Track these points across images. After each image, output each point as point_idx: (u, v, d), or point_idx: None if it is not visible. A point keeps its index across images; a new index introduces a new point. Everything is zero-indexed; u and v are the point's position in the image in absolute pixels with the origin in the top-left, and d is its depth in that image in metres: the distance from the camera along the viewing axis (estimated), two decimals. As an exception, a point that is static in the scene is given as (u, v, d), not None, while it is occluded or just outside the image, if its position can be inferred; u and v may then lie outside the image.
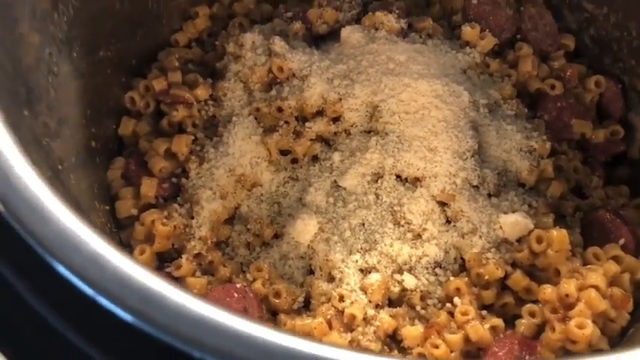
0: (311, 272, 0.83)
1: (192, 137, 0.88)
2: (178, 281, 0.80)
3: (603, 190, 0.90)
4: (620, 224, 0.83)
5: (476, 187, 0.84)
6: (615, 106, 0.96)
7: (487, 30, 0.94)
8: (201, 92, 0.91)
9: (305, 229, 0.83)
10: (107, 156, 0.87)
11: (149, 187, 0.83)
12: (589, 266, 0.77)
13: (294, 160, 0.89)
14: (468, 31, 0.93)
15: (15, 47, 0.62)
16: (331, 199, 0.85)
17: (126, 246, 0.83)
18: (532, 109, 0.93)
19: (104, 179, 0.85)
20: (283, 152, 0.89)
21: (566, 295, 0.74)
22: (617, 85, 0.95)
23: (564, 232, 0.77)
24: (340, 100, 0.88)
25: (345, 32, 0.95)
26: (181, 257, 0.81)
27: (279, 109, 0.89)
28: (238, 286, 0.77)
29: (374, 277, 0.78)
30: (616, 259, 0.79)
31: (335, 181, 0.86)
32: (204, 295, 0.78)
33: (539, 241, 0.78)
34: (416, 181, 0.84)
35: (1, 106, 0.52)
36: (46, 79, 0.67)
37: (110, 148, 0.89)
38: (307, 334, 0.74)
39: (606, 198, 0.89)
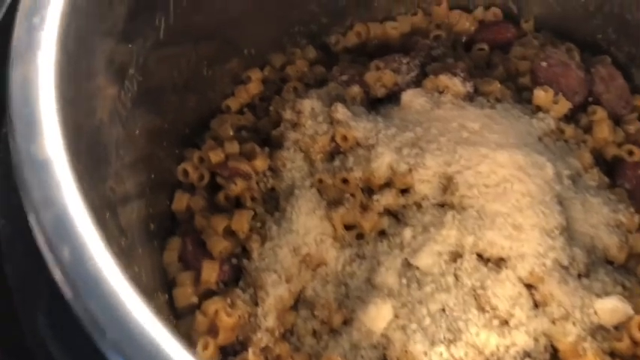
0: (387, 364, 0.76)
1: (253, 212, 0.82)
2: (244, 378, 0.73)
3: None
4: None
5: (565, 267, 0.77)
6: (695, 172, 0.90)
7: (559, 93, 0.89)
8: (260, 163, 0.85)
9: (379, 315, 0.76)
10: (162, 238, 0.80)
11: (211, 272, 0.76)
12: (698, 357, 0.70)
13: (360, 236, 0.83)
14: (542, 96, 0.88)
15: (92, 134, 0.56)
16: (404, 281, 0.78)
17: (185, 337, 0.75)
18: (609, 178, 0.87)
19: (161, 265, 0.78)
20: (347, 227, 0.83)
21: (682, 394, 0.67)
22: (696, 148, 0.90)
23: (671, 320, 0.71)
24: (410, 170, 0.82)
25: (407, 97, 0.90)
26: (246, 350, 0.73)
27: (344, 181, 0.83)
28: (314, 385, 0.69)
29: (465, 373, 0.70)
30: None
31: (406, 260, 0.80)
32: (275, 394, 0.70)
33: (641, 329, 0.71)
34: (500, 262, 0.77)
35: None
36: (113, 167, 0.62)
37: (165, 227, 0.82)
38: None
39: (696, 272, 0.82)
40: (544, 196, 0.78)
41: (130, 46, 0.65)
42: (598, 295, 0.75)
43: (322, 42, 1.04)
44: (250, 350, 0.73)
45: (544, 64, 0.90)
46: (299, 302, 0.80)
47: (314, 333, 0.78)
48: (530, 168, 0.79)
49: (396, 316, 0.76)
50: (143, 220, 0.73)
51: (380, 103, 0.95)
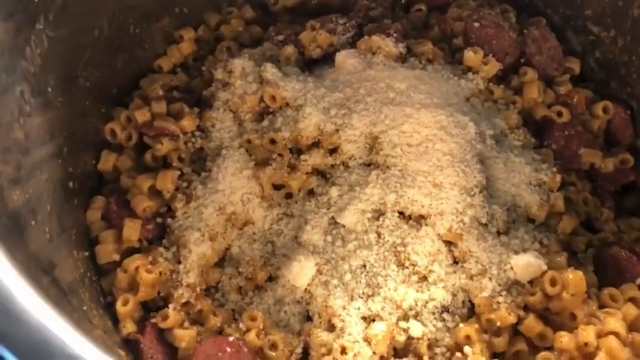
0: (309, 318, 0.77)
1: (179, 172, 0.82)
2: (165, 333, 0.74)
3: (615, 223, 0.85)
4: (637, 262, 0.78)
5: (484, 224, 0.78)
6: (624, 133, 0.91)
7: (490, 54, 0.89)
8: (188, 123, 0.84)
9: (302, 272, 0.77)
10: (86, 195, 0.80)
11: (132, 230, 0.77)
12: (607, 310, 0.72)
13: (288, 195, 0.83)
14: (471, 57, 0.88)
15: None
16: (329, 238, 0.80)
17: (107, 294, 0.76)
18: (537, 138, 0.88)
19: (83, 222, 0.78)
20: (276, 187, 0.83)
21: (585, 344, 0.69)
22: (625, 111, 0.91)
23: (580, 274, 0.72)
24: (337, 131, 0.82)
25: (340, 57, 0.90)
26: (168, 306, 0.74)
27: (272, 141, 0.83)
28: (231, 339, 0.71)
29: (378, 327, 0.72)
30: (634, 300, 0.74)
31: (333, 218, 0.80)
32: (194, 347, 0.71)
33: (553, 283, 0.73)
34: (420, 219, 0.78)
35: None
36: (17, 122, 0.61)
37: (90, 186, 0.82)
38: (307, 392, 0.68)
39: (618, 232, 0.84)
40: (465, 155, 0.79)
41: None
42: (516, 252, 0.77)
43: (261, 1, 1.02)
44: (171, 306, 0.74)
45: (476, 24, 0.90)
46: (225, 260, 0.81)
47: (239, 290, 0.79)
48: (453, 128, 0.80)
49: (320, 273, 0.77)
50: (60, 180, 0.72)
51: (316, 64, 0.94)
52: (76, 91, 0.77)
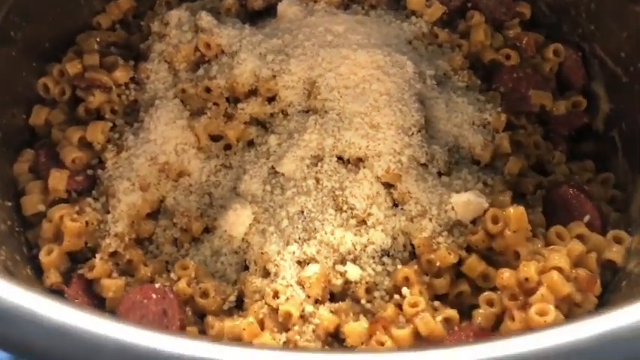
0: (246, 268, 0.74)
1: (111, 124, 0.80)
2: (92, 283, 0.71)
3: (567, 166, 0.82)
4: (585, 200, 0.75)
5: (424, 165, 0.75)
6: (576, 76, 0.88)
7: (434, -2, 0.86)
8: (121, 75, 0.82)
9: (238, 221, 0.74)
10: (14, 149, 0.78)
11: (58, 180, 0.74)
12: (551, 247, 0.69)
13: (227, 147, 0.80)
14: (414, 0, 0.85)
15: None
16: (268, 187, 0.77)
17: (34, 246, 0.74)
18: (487, 82, 0.86)
19: (8, 174, 0.76)
20: (214, 138, 0.80)
21: (526, 280, 0.66)
22: (577, 54, 0.88)
23: (521, 209, 0.69)
24: (274, 77, 0.80)
25: (282, 6, 0.87)
26: (95, 257, 0.71)
27: (207, 90, 0.80)
28: (157, 286, 0.68)
29: (312, 270, 0.69)
30: (581, 237, 0.71)
31: (272, 167, 0.78)
32: (121, 297, 0.68)
33: (494, 221, 0.70)
34: (358, 162, 0.76)
35: None
36: None
37: (20, 140, 0.79)
38: (236, 337, 0.65)
39: (570, 174, 0.81)
40: (402, 95, 0.76)
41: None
42: (457, 192, 0.74)
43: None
44: (98, 256, 0.71)
45: (420, -32, 0.88)
46: (160, 213, 0.78)
47: (174, 242, 0.76)
48: (390, 67, 0.77)
49: (257, 221, 0.75)
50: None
51: (258, 16, 0.92)
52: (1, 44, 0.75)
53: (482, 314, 0.67)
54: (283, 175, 0.77)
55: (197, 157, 0.79)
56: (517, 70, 0.85)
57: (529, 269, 0.66)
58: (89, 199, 0.75)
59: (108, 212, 0.74)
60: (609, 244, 0.71)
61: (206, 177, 0.79)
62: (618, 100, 0.84)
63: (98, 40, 0.87)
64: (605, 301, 0.68)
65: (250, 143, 0.81)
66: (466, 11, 0.89)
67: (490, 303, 0.68)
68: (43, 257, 0.70)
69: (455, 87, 0.81)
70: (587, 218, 0.74)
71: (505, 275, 0.67)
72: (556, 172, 0.81)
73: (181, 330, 0.65)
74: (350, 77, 0.78)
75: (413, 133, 0.75)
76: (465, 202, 0.72)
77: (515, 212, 0.69)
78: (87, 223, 0.72)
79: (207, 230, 0.77)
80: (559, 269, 0.66)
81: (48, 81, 0.83)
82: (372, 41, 0.80)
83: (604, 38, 0.84)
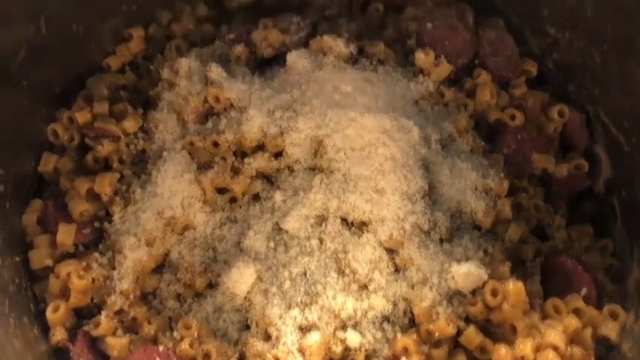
0: (247, 327, 0.76)
1: (118, 175, 0.80)
2: (97, 341, 0.72)
3: (566, 231, 0.84)
4: (583, 272, 0.77)
5: (427, 232, 0.77)
6: (579, 138, 0.89)
7: (442, 56, 0.87)
8: (130, 124, 0.82)
9: (241, 279, 0.76)
10: (23, 199, 0.78)
11: (66, 235, 0.75)
12: (548, 321, 0.71)
13: (233, 200, 0.81)
14: (422, 58, 0.86)
15: None
16: (272, 244, 0.78)
17: (40, 301, 0.75)
18: (490, 142, 0.86)
19: (17, 225, 0.76)
20: (220, 191, 0.81)
21: (522, 358, 0.67)
22: (581, 116, 0.89)
23: (520, 285, 0.71)
24: (282, 133, 0.81)
25: (292, 57, 0.88)
26: (101, 314, 0.73)
27: (215, 144, 0.81)
28: (161, 348, 0.69)
29: (313, 338, 0.70)
30: (577, 311, 0.73)
31: (276, 224, 0.79)
32: (124, 357, 0.70)
33: (494, 294, 0.71)
34: (362, 225, 0.77)
35: None
36: None
37: (28, 188, 0.80)
38: (237, 403, 0.67)
39: (569, 240, 0.83)
40: (407, 160, 0.77)
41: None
42: (458, 261, 0.75)
43: (217, -1, 1.00)
44: (103, 313, 0.72)
45: (429, 25, 0.88)
46: (164, 266, 0.79)
47: (178, 296, 0.78)
48: (396, 132, 0.78)
49: (260, 280, 0.76)
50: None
51: (268, 65, 0.92)
52: (11, 89, 0.75)
53: (478, 387, 0.69)
54: (287, 232, 0.78)
55: (203, 211, 0.80)
56: (521, 132, 0.86)
57: (525, 347, 0.68)
58: (96, 254, 0.76)
59: (114, 268, 0.75)
60: (605, 319, 0.73)
61: (211, 230, 0.80)
62: (620, 167, 0.85)
63: (108, 83, 0.87)
64: (598, 379, 0.70)
65: (256, 197, 0.82)
66: (473, 68, 0.89)
67: (486, 376, 0.69)
68: (50, 314, 0.71)
69: (459, 150, 0.82)
70: (584, 291, 0.75)
71: (502, 352, 0.68)
72: (556, 237, 0.83)
73: (183, 395, 0.67)
74: (356, 140, 0.78)
75: (417, 200, 0.76)
76: (466, 273, 0.73)
77: (515, 287, 0.71)
78: (93, 279, 0.73)
79: (211, 285, 0.78)
80: (555, 347, 0.68)
81: (57, 127, 0.83)
82: (380, 104, 0.80)
83: (608, 104, 0.85)
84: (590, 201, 0.89)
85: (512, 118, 0.87)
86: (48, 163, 0.82)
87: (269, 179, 0.82)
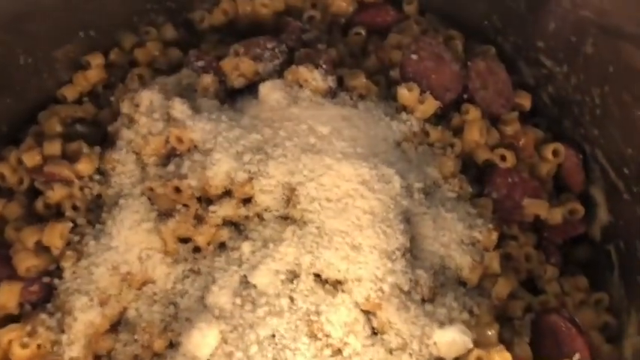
0: (211, 393, 0.69)
1: (71, 225, 0.73)
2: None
3: (559, 283, 0.78)
4: (576, 335, 0.71)
5: (407, 292, 0.70)
6: (575, 179, 0.83)
7: (428, 91, 0.80)
8: (85, 167, 0.75)
9: (203, 341, 0.69)
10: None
11: (9, 295, 0.68)
12: (537, 394, 0.65)
13: (196, 249, 0.75)
14: (405, 95, 0.79)
15: None
16: (238, 301, 0.71)
17: (-20, 368, 0.68)
18: (478, 183, 0.80)
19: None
20: (183, 240, 0.75)
21: None
22: (577, 156, 0.82)
23: (508, 356, 0.65)
24: (251, 179, 0.74)
25: (265, 89, 0.81)
26: (47, 384, 0.66)
27: (177, 190, 0.74)
28: None
29: (278, 415, 0.64)
30: (569, 380, 0.67)
31: (244, 277, 0.72)
32: None
33: (478, 363, 0.65)
34: (337, 284, 0.70)
35: None
36: None
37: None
38: None
39: (562, 293, 0.77)
40: (387, 214, 0.71)
41: None
42: (441, 323, 0.69)
43: (186, 19, 0.93)
44: (49, 385, 0.66)
45: (414, 57, 0.81)
46: (120, 324, 0.72)
47: (135, 358, 0.71)
48: (376, 182, 0.71)
49: (224, 342, 0.69)
50: None
51: (239, 93, 0.85)
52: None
53: None
54: (255, 287, 0.71)
55: (163, 262, 0.73)
56: (512, 174, 0.80)
57: None
58: (43, 316, 0.69)
59: (63, 331, 0.68)
60: (599, 389, 0.67)
61: (172, 284, 0.73)
62: (618, 214, 0.79)
63: (62, 116, 0.80)
64: None
65: (222, 246, 0.75)
66: (461, 102, 0.83)
67: None
68: (-12, 389, 0.65)
69: (444, 198, 0.75)
70: (577, 357, 0.69)
71: None
72: (547, 290, 0.77)
73: None
74: (332, 189, 0.72)
75: (397, 258, 0.70)
76: (449, 341, 0.67)
77: (501, 358, 0.65)
78: (39, 346, 0.66)
79: (172, 344, 0.72)
80: None
81: (4, 169, 0.76)
82: (358, 150, 0.73)
83: (607, 147, 0.79)
84: (585, 247, 0.83)
85: (503, 158, 0.80)
86: (-6, 208, 0.75)
87: (237, 226, 0.76)
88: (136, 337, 0.71)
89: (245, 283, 0.72)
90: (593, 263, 0.82)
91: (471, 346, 0.67)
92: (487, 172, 0.81)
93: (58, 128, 0.79)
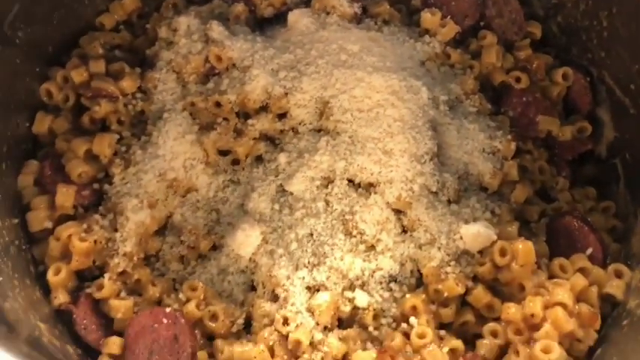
0: (253, 288, 0.75)
1: (117, 136, 0.78)
2: (100, 303, 0.70)
3: (570, 193, 0.84)
4: (588, 232, 0.77)
5: (434, 193, 0.76)
6: (583, 101, 0.89)
7: (448, 16, 0.85)
8: (128, 84, 0.80)
9: (246, 241, 0.74)
10: (18, 160, 0.76)
11: (66, 196, 0.73)
12: (555, 280, 0.71)
13: (235, 162, 0.80)
14: (428, 18, 0.84)
15: None
16: (276, 206, 0.77)
17: (39, 263, 0.72)
18: (496, 104, 0.86)
19: (13, 187, 0.74)
20: (222, 152, 0.79)
21: (532, 315, 0.67)
22: (585, 78, 0.88)
23: (530, 244, 0.71)
24: (286, 94, 0.79)
25: (293, 16, 0.85)
26: (103, 276, 0.71)
27: (218, 104, 0.79)
28: (168, 310, 0.68)
29: (322, 298, 0.70)
30: (583, 270, 0.73)
31: (281, 185, 0.77)
32: (130, 318, 0.68)
33: (502, 253, 0.71)
34: (369, 187, 0.76)
35: None
36: None
37: (23, 150, 0.77)
38: (247, 364, 0.66)
39: (573, 201, 0.83)
40: (416, 122, 0.76)
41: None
42: (466, 221, 0.75)
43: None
44: (106, 275, 0.71)
45: (435, -16, 0.86)
46: (166, 229, 0.77)
47: (181, 259, 0.76)
48: (405, 93, 0.77)
49: (265, 241, 0.75)
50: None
51: (268, 23, 0.90)
52: (3, 48, 0.72)
53: (486, 345, 0.69)
54: (292, 194, 0.77)
55: (205, 173, 0.78)
56: (526, 94, 0.86)
57: (535, 305, 0.68)
58: (97, 216, 0.74)
59: (116, 230, 0.73)
60: (610, 278, 0.73)
61: (214, 193, 0.79)
62: (624, 129, 0.85)
63: (102, 42, 0.84)
64: (605, 336, 0.70)
65: (259, 159, 0.80)
66: (479, 30, 0.88)
67: (494, 334, 0.70)
68: (51, 277, 0.69)
69: (466, 112, 0.81)
70: (589, 251, 0.76)
71: (511, 310, 0.69)
72: (559, 199, 0.83)
73: (192, 357, 0.66)
74: (364, 100, 0.77)
75: (425, 161, 0.75)
76: (475, 233, 0.72)
77: (524, 247, 0.70)
78: (95, 241, 0.71)
79: (215, 247, 0.77)
80: (563, 305, 0.68)
81: (51, 87, 0.80)
82: (388, 64, 0.79)
83: (614, 67, 0.85)
84: (592, 164, 0.89)
85: (518, 80, 0.86)
86: (42, 123, 0.79)
87: (273, 141, 0.81)
88: (182, 238, 0.76)
89: (282, 191, 0.77)
90: (599, 180, 0.88)
91: (495, 237, 0.72)
92: (503, 94, 0.86)
93: (100, 50, 0.83)
